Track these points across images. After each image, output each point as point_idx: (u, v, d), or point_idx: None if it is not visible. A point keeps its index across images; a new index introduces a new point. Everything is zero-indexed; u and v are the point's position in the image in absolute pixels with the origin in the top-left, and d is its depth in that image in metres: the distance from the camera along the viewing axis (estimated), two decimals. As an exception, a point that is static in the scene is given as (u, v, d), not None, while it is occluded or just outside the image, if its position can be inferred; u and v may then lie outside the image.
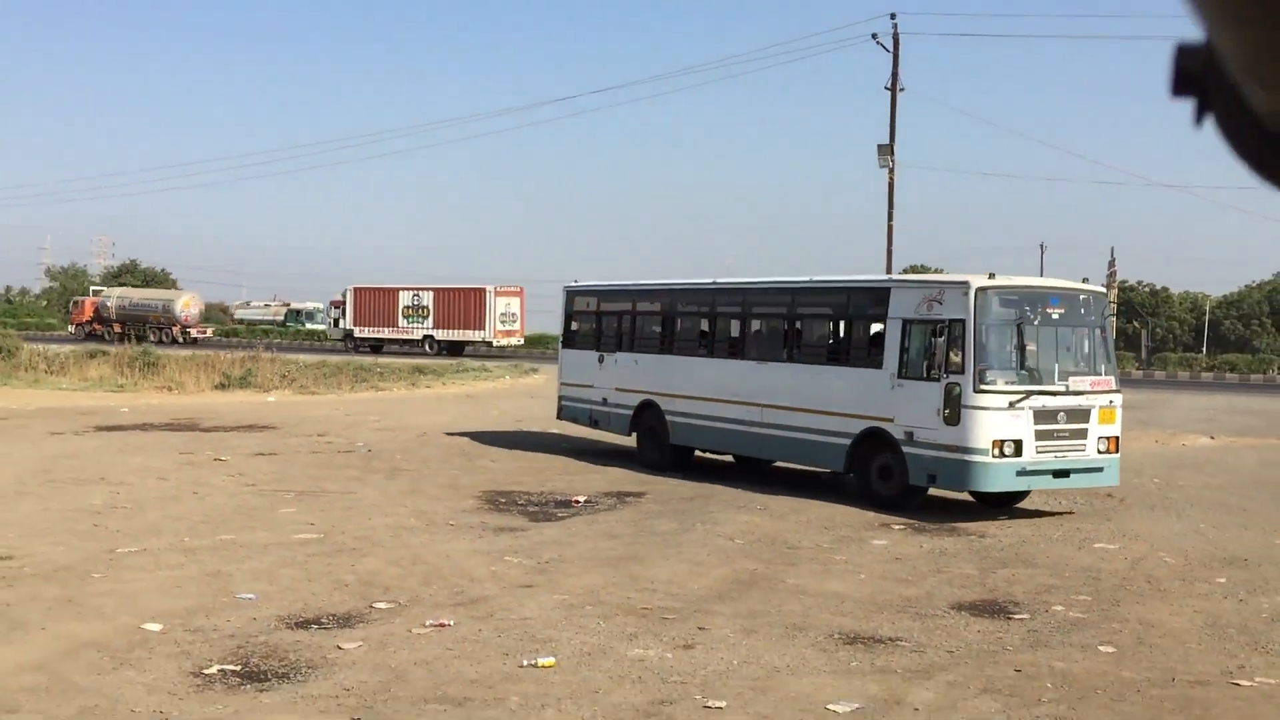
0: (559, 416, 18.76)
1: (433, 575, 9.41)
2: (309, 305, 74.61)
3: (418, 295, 53.01)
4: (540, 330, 57.26)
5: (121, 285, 71.45)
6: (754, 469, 15.94)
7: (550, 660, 7.05)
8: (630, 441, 17.62)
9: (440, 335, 52.02)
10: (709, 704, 6.34)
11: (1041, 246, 37.21)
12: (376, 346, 53.14)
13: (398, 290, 53.86)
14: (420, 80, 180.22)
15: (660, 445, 16.25)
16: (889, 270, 31.13)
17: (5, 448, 17.40)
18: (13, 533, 10.81)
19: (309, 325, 69.47)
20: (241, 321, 77.08)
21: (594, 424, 17.84)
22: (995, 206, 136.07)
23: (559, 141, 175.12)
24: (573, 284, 18.91)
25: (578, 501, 13.46)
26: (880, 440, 12.88)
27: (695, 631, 7.83)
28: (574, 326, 18.80)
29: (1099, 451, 12.39)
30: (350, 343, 54.07)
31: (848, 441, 13.24)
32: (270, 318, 77.29)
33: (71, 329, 63.21)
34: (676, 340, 16.76)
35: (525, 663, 7.01)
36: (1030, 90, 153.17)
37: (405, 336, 53.03)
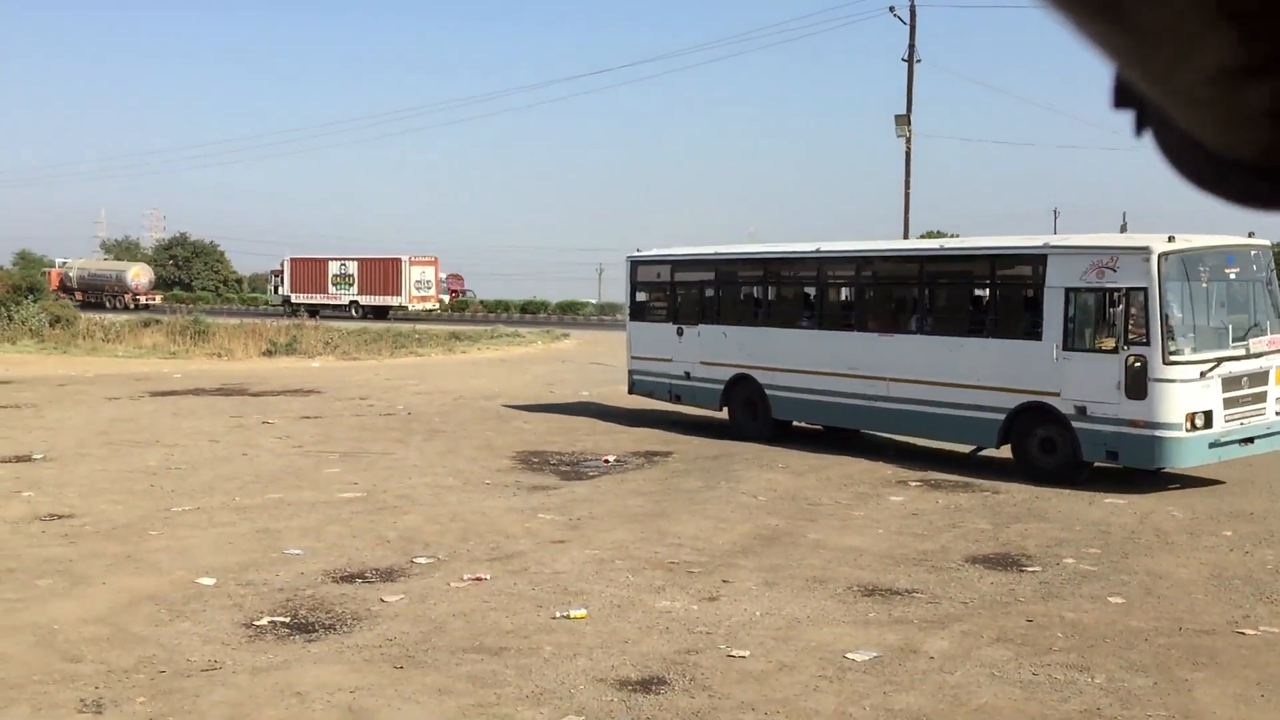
0: (631, 391, 17.74)
1: (470, 532, 9.76)
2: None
3: (344, 265, 56.58)
4: (571, 297, 62.74)
5: (121, 260, 74.80)
6: (842, 435, 15.30)
7: (582, 612, 7.33)
8: (651, 403, 17.71)
9: (364, 300, 55.35)
10: (733, 653, 6.60)
11: (1055, 212, 36.74)
12: (313, 311, 54.98)
13: (327, 260, 57.48)
14: (447, 59, 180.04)
15: (759, 420, 15.40)
16: (906, 235, 30.83)
17: (66, 413, 18.03)
18: (74, 493, 11.31)
19: None
20: None
21: (675, 399, 16.86)
22: (1009, 174, 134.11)
23: (582, 117, 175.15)
24: (636, 253, 17.72)
25: (607, 460, 13.75)
26: (1041, 414, 12.14)
27: (720, 584, 8.09)
28: (641, 298, 17.68)
29: (1277, 413, 11.75)
30: (288, 308, 56.38)
31: (1001, 416, 12.46)
32: None
33: None
34: (775, 311, 15.69)
35: (558, 614, 7.30)
36: (1043, 60, 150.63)
37: (334, 302, 56.03)
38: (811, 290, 15.55)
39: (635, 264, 17.67)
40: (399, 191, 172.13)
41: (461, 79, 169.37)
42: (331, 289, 56.57)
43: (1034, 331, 12.26)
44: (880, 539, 9.62)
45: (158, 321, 36.82)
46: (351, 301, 55.56)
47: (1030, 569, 8.62)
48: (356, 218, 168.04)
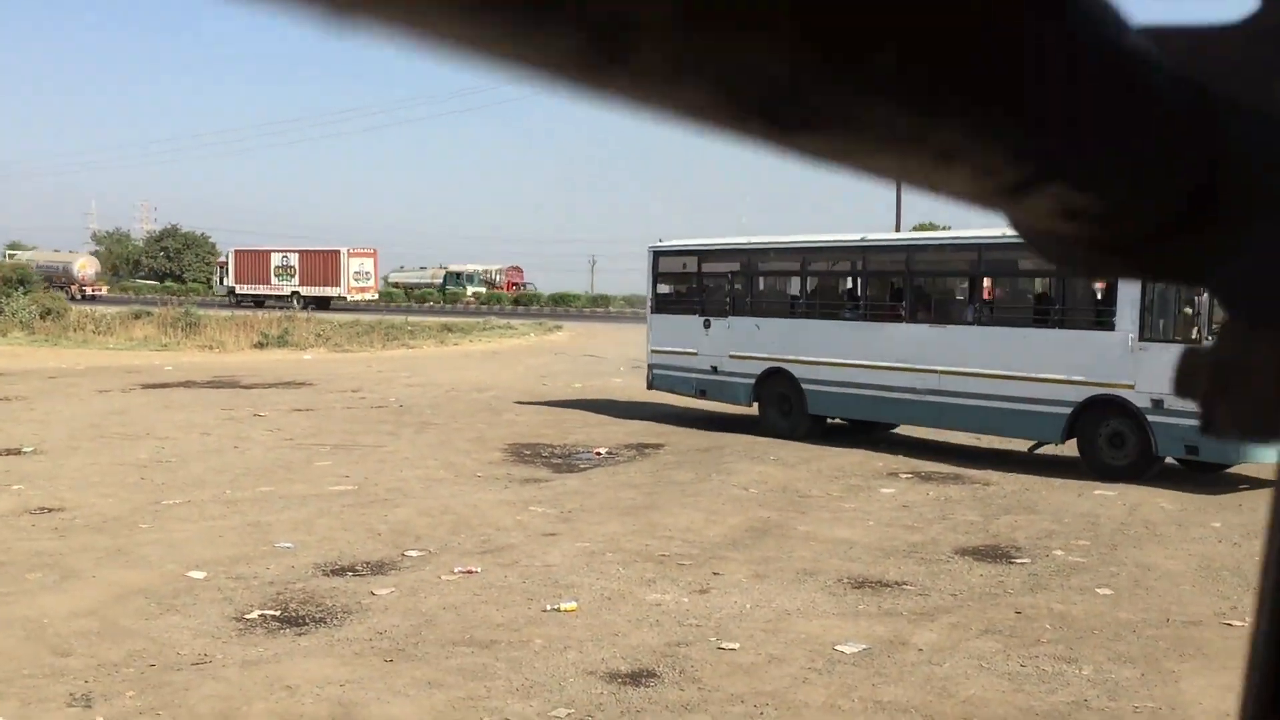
0: (650, 387, 17.15)
1: (461, 524, 9.76)
2: (468, 268, 70.85)
3: (286, 256, 58.07)
4: (563, 289, 63.46)
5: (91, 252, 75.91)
6: (866, 430, 14.97)
7: (572, 605, 7.36)
8: (644, 396, 17.72)
9: (305, 291, 56.37)
10: (723, 645, 6.63)
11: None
12: (259, 301, 55.60)
13: (270, 252, 58.92)
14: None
15: (793, 415, 14.94)
16: (898, 227, 30.83)
17: (57, 405, 17.97)
18: (64, 486, 11.28)
19: (469, 288, 67.36)
20: (398, 285, 74.49)
21: (700, 394, 16.29)
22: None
23: (573, 108, 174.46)
24: (659, 243, 17.06)
25: (599, 453, 13.78)
26: (1109, 408, 11.80)
27: (710, 577, 8.12)
28: (664, 289, 17.11)
29: None
30: (233, 298, 57.61)
31: (1067, 410, 12.11)
32: (429, 280, 74.55)
33: None
34: (815, 302, 15.31)
35: (549, 607, 7.32)
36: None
37: (277, 293, 56.95)
38: (855, 281, 15.18)
39: (658, 254, 16.99)
40: (393, 183, 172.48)
41: (456, 71, 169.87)
42: (274, 280, 57.68)
43: (1105, 321, 11.93)
44: (870, 531, 9.66)
45: (149, 313, 36.74)
46: (293, 292, 56.47)
47: (1019, 561, 8.67)
48: (350, 209, 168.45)
